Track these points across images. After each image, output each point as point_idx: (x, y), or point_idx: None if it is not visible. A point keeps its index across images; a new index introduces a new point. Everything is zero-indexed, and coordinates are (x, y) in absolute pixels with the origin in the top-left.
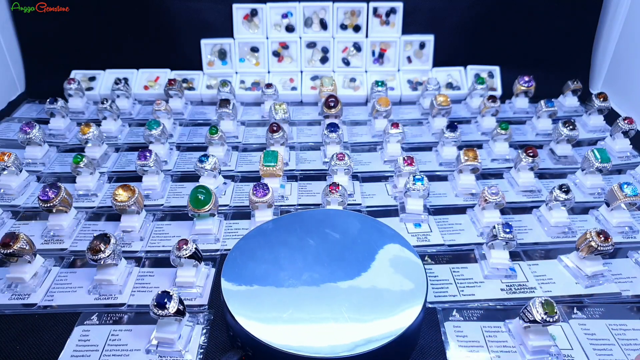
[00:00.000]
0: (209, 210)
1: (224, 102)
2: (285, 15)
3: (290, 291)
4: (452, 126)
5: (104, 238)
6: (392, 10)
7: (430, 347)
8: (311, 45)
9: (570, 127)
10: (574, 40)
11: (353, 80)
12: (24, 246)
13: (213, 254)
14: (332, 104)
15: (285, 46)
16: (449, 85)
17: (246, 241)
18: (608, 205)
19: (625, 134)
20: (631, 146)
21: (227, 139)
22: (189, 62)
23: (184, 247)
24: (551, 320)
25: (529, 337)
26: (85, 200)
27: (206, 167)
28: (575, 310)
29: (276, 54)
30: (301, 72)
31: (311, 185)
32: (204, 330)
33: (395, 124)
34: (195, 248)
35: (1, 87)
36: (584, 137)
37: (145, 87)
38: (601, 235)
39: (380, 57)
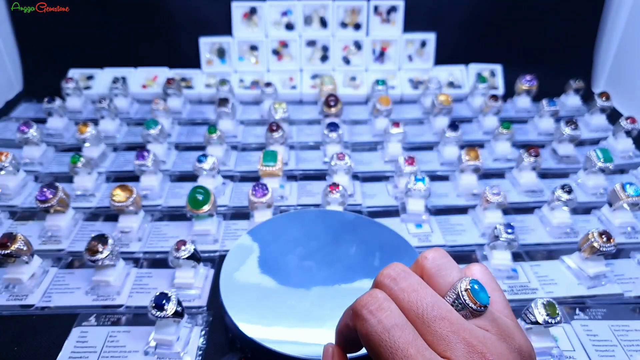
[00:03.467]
0: (207, 211)
1: (223, 101)
2: (284, 13)
3: (289, 292)
4: (453, 125)
5: (102, 239)
6: (393, 8)
7: None
8: (311, 43)
9: (573, 126)
10: (576, 39)
11: (353, 79)
12: (22, 247)
13: (212, 254)
14: (332, 103)
15: (284, 44)
16: (451, 84)
17: (245, 242)
18: (610, 205)
19: (628, 133)
20: (634, 146)
21: (226, 138)
22: (187, 61)
23: (183, 247)
24: (553, 322)
25: (531, 339)
26: (83, 201)
27: (205, 167)
28: (577, 311)
29: (276, 52)
30: (301, 70)
31: (311, 185)
32: (203, 332)
33: (396, 123)
34: (194, 249)
35: None
36: (586, 136)
37: (144, 86)
38: (604, 236)
39: (381, 56)
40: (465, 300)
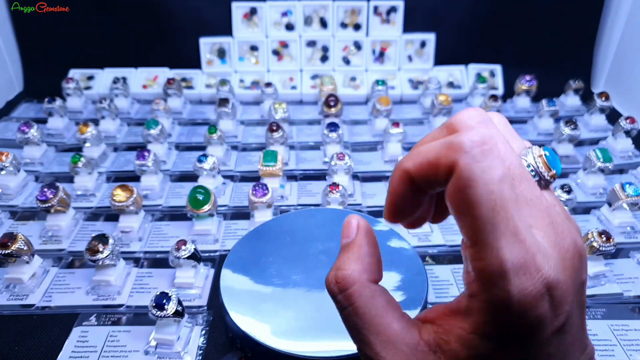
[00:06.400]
0: (207, 211)
1: (223, 102)
2: (285, 14)
3: (289, 292)
4: None
5: (103, 238)
6: (393, 9)
7: None
8: (311, 44)
9: (572, 126)
10: (575, 39)
11: (353, 79)
12: (22, 247)
13: (212, 254)
14: (332, 103)
15: (285, 45)
16: (450, 84)
17: (245, 241)
18: (610, 205)
19: (627, 133)
20: (633, 146)
21: (226, 138)
22: (187, 61)
23: (183, 247)
24: None
25: None
26: (84, 201)
27: (205, 167)
28: None
29: (276, 52)
30: (301, 71)
31: (311, 185)
32: (203, 332)
33: (396, 124)
34: (194, 248)
35: None
36: (585, 136)
37: (144, 86)
38: (603, 236)
39: (380, 56)
40: (538, 167)
